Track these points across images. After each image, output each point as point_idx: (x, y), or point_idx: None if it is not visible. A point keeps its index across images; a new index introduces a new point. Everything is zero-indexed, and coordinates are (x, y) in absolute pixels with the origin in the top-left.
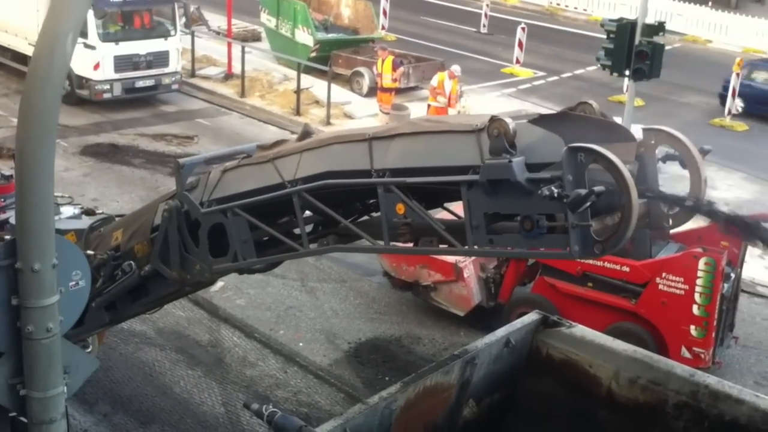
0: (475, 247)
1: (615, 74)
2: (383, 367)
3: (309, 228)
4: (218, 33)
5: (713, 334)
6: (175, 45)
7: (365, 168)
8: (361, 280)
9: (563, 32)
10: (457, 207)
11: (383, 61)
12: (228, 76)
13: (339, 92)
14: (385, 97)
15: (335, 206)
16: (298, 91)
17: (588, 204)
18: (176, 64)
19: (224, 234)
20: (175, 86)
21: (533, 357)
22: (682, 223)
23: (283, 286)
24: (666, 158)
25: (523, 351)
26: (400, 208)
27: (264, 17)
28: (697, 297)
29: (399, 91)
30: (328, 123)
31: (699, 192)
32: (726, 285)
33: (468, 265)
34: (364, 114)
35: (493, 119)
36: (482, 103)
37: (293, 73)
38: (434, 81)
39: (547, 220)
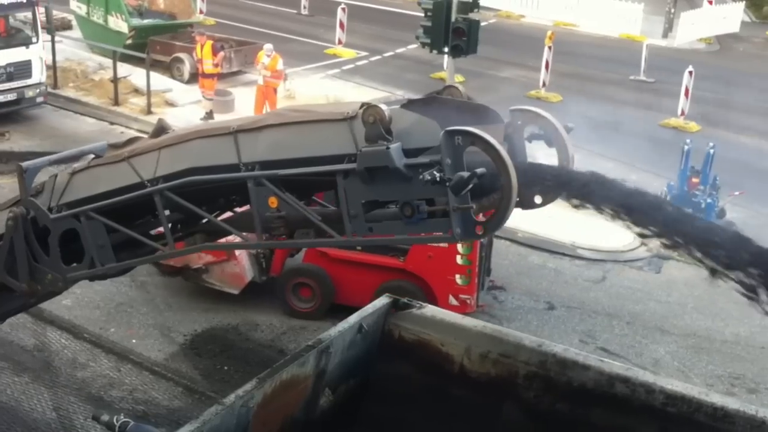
0: (355, 236)
1: (434, 51)
2: (221, 357)
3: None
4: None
5: (476, 281)
6: (38, 53)
7: (233, 162)
8: None
9: (383, 12)
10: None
11: (203, 46)
12: None
13: (159, 80)
14: (207, 83)
15: (198, 203)
16: (115, 80)
17: (470, 186)
18: (40, 74)
19: (77, 239)
20: (40, 99)
21: (386, 340)
22: (551, 201)
23: (112, 282)
24: (532, 137)
25: (376, 335)
26: (273, 202)
27: (74, 4)
28: (459, 248)
29: (222, 77)
30: (149, 112)
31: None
32: None
33: None
34: (187, 101)
35: (368, 106)
36: (307, 85)
37: (109, 62)
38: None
39: (426, 204)
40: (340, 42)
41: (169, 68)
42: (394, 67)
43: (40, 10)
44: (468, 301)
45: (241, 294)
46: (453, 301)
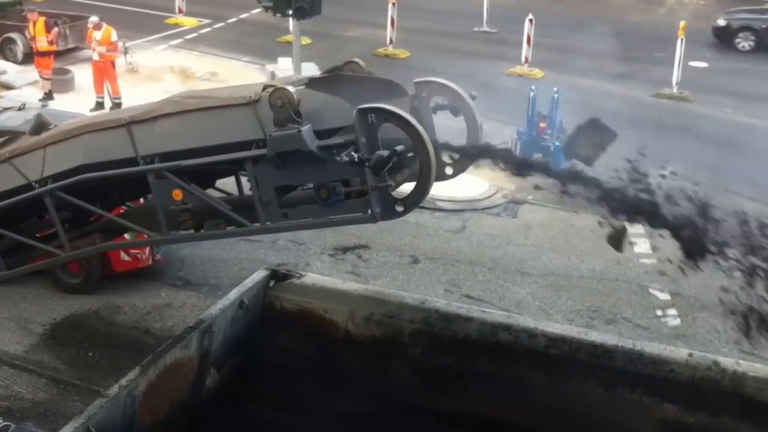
0: (269, 223)
1: (278, 15)
2: (85, 343)
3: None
4: None
5: (146, 235)
6: None
7: (129, 156)
8: None
9: None
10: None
11: (35, 23)
12: None
13: None
14: (43, 62)
15: (91, 201)
16: None
17: (390, 165)
18: None
19: None
20: None
21: (268, 313)
22: (462, 170)
23: None
24: (437, 108)
25: (257, 309)
26: (178, 194)
27: None
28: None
29: (58, 54)
30: None
31: (477, 138)
32: None
33: None
34: (23, 82)
35: (274, 89)
36: (150, 57)
37: None
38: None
39: (342, 185)
40: (180, 11)
41: (1, 49)
42: (238, 33)
43: None
44: (139, 256)
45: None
46: (125, 256)
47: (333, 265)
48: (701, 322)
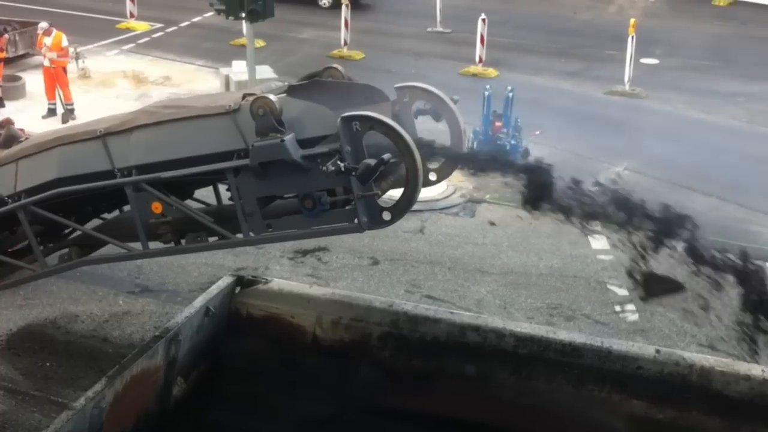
0: (252, 235)
1: (231, 18)
2: (42, 353)
3: (24, 244)
4: None
5: None
6: None
7: (105, 168)
8: None
9: None
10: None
11: None
12: None
13: None
14: None
15: (65, 214)
16: None
17: (377, 173)
18: None
19: None
20: None
21: (234, 320)
22: (446, 176)
23: None
24: (418, 113)
25: (223, 316)
26: (157, 207)
27: None
28: None
29: (8, 61)
30: None
31: (460, 142)
32: None
33: None
34: None
35: (255, 97)
36: (102, 62)
37: None
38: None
39: (327, 194)
40: (132, 15)
41: None
42: (191, 36)
43: None
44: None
45: (56, 286)
46: None
47: (293, 269)
48: (659, 317)
